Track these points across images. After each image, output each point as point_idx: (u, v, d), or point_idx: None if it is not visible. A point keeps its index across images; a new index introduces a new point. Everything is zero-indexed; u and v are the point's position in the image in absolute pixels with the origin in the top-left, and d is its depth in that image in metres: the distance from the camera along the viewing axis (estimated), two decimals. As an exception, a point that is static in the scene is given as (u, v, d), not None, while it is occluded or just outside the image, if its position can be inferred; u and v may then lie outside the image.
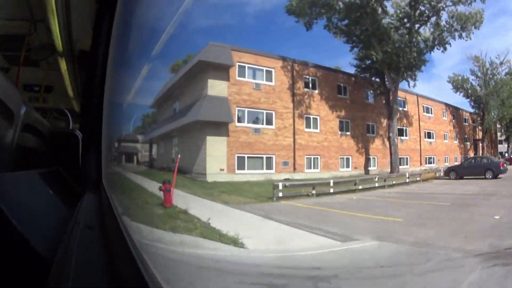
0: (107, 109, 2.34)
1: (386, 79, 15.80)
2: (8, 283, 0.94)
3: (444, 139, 19.32)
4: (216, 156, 13.70)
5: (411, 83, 15.83)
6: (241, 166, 14.01)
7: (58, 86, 6.44)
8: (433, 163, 18.30)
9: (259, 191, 10.79)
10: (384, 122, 16.99)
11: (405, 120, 17.93)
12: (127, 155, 20.34)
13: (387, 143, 16.58)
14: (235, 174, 13.68)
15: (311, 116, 15.97)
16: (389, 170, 15.88)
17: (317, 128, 16.09)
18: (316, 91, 16.25)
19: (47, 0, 3.73)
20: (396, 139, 15.96)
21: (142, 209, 6.67)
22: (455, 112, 19.76)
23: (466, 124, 20.36)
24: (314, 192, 10.28)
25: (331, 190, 10.88)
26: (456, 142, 19.80)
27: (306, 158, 15.55)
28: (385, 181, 12.64)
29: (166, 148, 19.83)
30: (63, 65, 5.40)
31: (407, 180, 13.42)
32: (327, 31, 15.17)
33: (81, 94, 5.52)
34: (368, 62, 15.90)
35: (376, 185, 12.15)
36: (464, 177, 13.75)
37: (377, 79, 16.59)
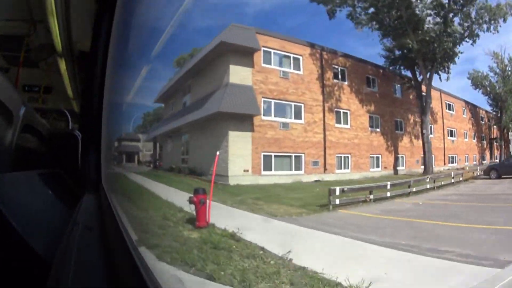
0: (106, 110, 2.34)
1: (418, 71, 14.63)
2: (8, 283, 0.94)
3: (464, 138, 18.52)
4: (240, 155, 12.09)
5: (443, 76, 14.40)
6: (267, 166, 12.42)
7: (57, 87, 6.45)
8: (455, 162, 17.51)
9: (299, 196, 9.32)
10: (412, 118, 15.84)
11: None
12: (127, 154, 19.87)
13: (414, 141, 15.51)
14: (260, 176, 12.12)
15: (341, 110, 14.34)
16: (417, 170, 14.79)
17: (347, 124, 14.44)
18: (346, 83, 14.57)
19: (47, 1, 3.73)
20: (429, 136, 14.73)
21: (156, 228, 5.49)
22: (473, 109, 19.08)
23: (482, 122, 19.43)
24: (372, 197, 8.99)
25: (388, 194, 9.53)
26: (474, 140, 19.04)
27: (337, 157, 13.93)
28: (434, 182, 11.44)
29: (174, 146, 18.21)
30: (62, 65, 5.40)
31: (452, 181, 12.24)
32: (332, 25, 13.55)
33: (81, 94, 5.52)
34: (397, 53, 14.55)
35: (428, 186, 10.98)
36: (502, 176, 12.54)
37: (407, 72, 15.18)
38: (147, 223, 5.77)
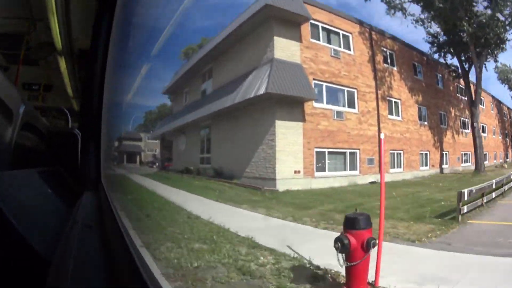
0: (106, 108, 2.34)
1: (466, 58, 13.06)
2: (7, 282, 0.94)
3: (493, 134, 17.14)
4: (289, 152, 9.61)
5: (491, 64, 12.82)
6: (320, 165, 10.11)
7: (57, 85, 6.45)
8: (486, 160, 15.68)
9: (389, 205, 6.38)
10: (453, 111, 14.39)
11: (466, 112, 15.01)
12: (128, 154, 18.11)
13: (456, 137, 14.17)
14: (314, 178, 9.76)
15: (393, 100, 12.32)
16: (458, 168, 13.71)
17: (399, 115, 12.45)
18: (395, 68, 12.60)
19: (47, -1, 3.73)
20: (480, 130, 13.23)
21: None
22: (498, 105, 17.87)
23: (506, 119, 18.29)
24: (485, 200, 7.27)
25: (493, 195, 7.83)
26: (500, 137, 17.81)
27: (390, 153, 11.90)
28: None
29: (189, 143, 15.16)
30: (62, 64, 5.40)
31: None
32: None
33: (81, 93, 5.51)
34: (442, 38, 12.81)
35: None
36: None
37: (452, 60, 13.44)
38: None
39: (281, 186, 9.11)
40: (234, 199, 8.26)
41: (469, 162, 14.54)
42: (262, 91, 9.39)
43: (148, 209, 6.56)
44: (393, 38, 12.73)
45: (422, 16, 12.06)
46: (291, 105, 9.92)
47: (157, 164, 18.35)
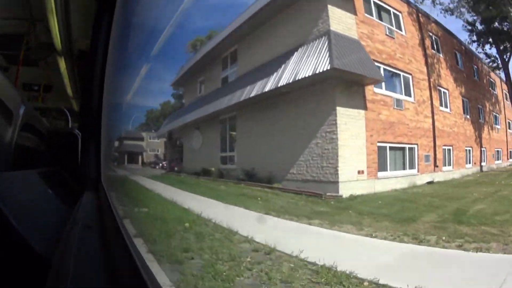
0: (106, 108, 2.34)
1: (504, 48, 12.08)
2: (7, 282, 0.94)
3: None
4: (352, 147, 7.95)
5: None
6: (382, 164, 8.57)
7: (57, 86, 6.45)
8: None
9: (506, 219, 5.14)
10: (488, 105, 13.42)
11: (497, 106, 14.02)
12: (130, 155, 17.39)
13: (491, 132, 13.21)
14: (377, 179, 8.22)
15: (441, 89, 11.04)
16: (493, 165, 12.82)
17: (447, 107, 11.17)
18: (441, 56, 11.36)
19: (47, 0, 3.73)
20: None
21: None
22: None
23: None
24: None
25: None
26: None
27: (443, 149, 10.76)
28: None
29: (206, 140, 13.03)
30: (62, 64, 5.40)
31: None
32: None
33: (80, 93, 5.52)
34: (481, 26, 11.80)
35: None
36: None
37: (490, 50, 12.43)
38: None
39: (344, 191, 7.34)
40: (291, 211, 6.26)
41: (500, 159, 13.76)
42: (324, 67, 7.56)
43: (164, 222, 5.05)
44: (437, 22, 11.46)
45: (451, 6, 11.20)
46: (352, 89, 8.10)
47: (160, 164, 17.05)
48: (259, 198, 7.35)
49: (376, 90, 8.79)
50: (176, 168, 14.45)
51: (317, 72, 7.75)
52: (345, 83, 8.11)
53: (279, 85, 8.73)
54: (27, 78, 6.01)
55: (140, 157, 17.87)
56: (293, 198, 7.48)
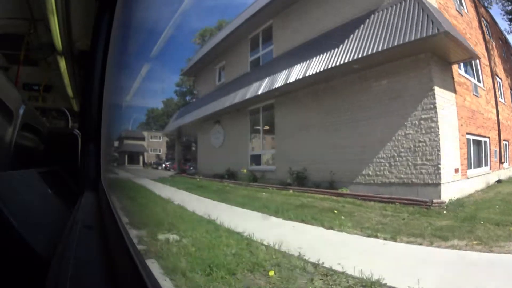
0: (106, 108, 2.34)
1: None
2: (6, 282, 0.94)
3: None
4: (451, 139, 6.66)
5: None
6: (469, 160, 7.45)
7: (57, 86, 6.45)
8: None
9: None
10: None
11: None
12: (130, 155, 16.93)
13: None
14: (467, 179, 7.01)
15: (497, 78, 9.76)
16: None
17: (502, 98, 9.94)
18: (493, 42, 10.17)
19: (47, 0, 3.73)
20: None
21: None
22: None
23: None
24: None
25: None
26: None
27: (504, 144, 9.62)
28: None
29: (229, 136, 10.88)
30: (62, 64, 5.40)
31: None
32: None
33: (81, 93, 5.52)
34: None
35: None
36: None
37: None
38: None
39: (446, 195, 5.97)
40: (401, 229, 4.39)
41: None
42: (432, 30, 5.86)
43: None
44: (485, 8, 10.36)
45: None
46: (443, 67, 6.67)
47: (163, 165, 15.54)
48: (335, 211, 5.54)
49: (460, 71, 7.65)
50: (191, 169, 12.48)
51: (424, 35, 6.05)
52: (438, 59, 6.66)
53: (350, 59, 6.85)
54: (28, 78, 6.01)
55: (141, 157, 17.45)
56: (385, 209, 5.64)
